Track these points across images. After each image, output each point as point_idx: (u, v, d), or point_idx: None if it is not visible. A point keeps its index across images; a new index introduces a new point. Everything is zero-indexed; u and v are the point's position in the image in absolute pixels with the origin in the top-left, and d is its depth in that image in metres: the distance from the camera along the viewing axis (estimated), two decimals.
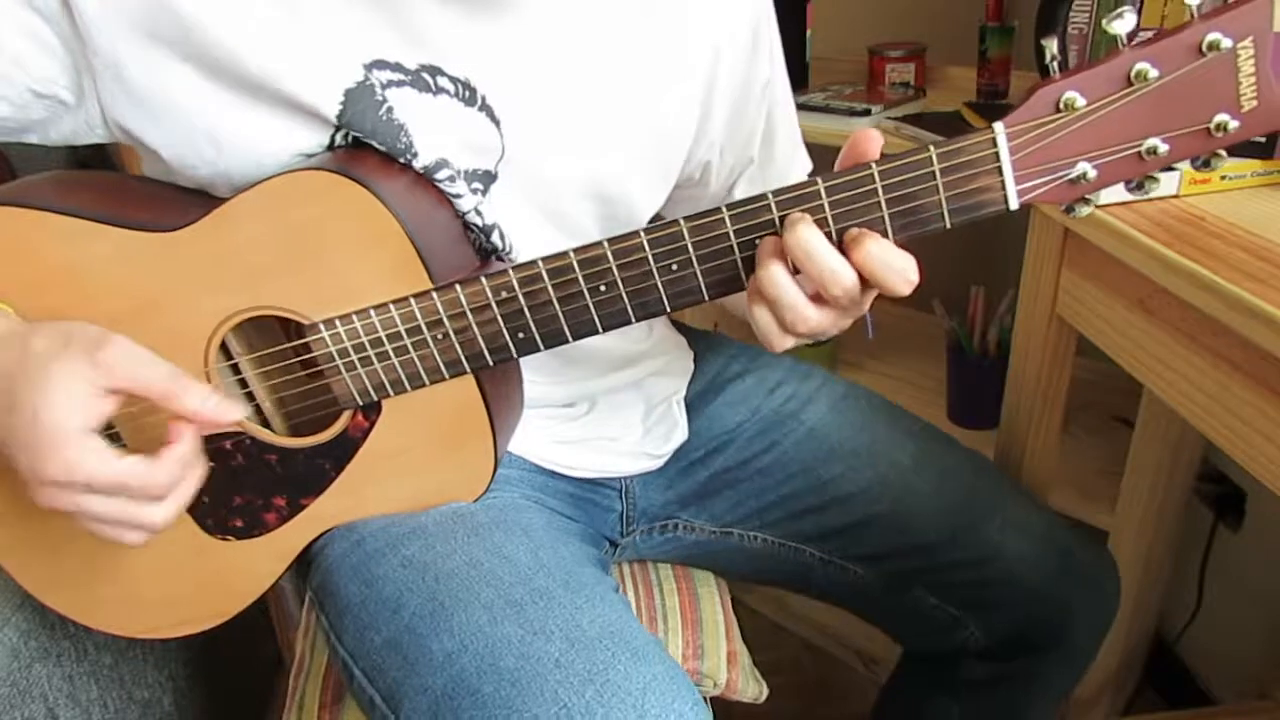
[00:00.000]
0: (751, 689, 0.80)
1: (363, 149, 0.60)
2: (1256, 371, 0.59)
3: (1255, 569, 1.16)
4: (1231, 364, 0.62)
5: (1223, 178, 0.69)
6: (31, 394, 0.50)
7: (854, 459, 0.79)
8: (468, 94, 0.61)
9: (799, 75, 1.35)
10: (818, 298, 0.54)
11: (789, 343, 0.56)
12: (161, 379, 0.53)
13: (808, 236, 0.52)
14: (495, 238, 0.65)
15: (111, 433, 0.62)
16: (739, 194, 0.80)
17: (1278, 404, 0.58)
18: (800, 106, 1.24)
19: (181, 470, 0.55)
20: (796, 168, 0.82)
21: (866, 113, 1.20)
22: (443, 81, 0.60)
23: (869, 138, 0.53)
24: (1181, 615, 1.26)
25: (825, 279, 0.52)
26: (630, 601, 0.82)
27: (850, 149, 0.54)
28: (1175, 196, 0.69)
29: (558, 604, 0.59)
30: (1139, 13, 0.78)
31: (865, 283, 0.53)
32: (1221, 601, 1.21)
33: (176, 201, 0.61)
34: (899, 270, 0.52)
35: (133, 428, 0.61)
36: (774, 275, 0.53)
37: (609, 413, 0.79)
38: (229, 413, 0.56)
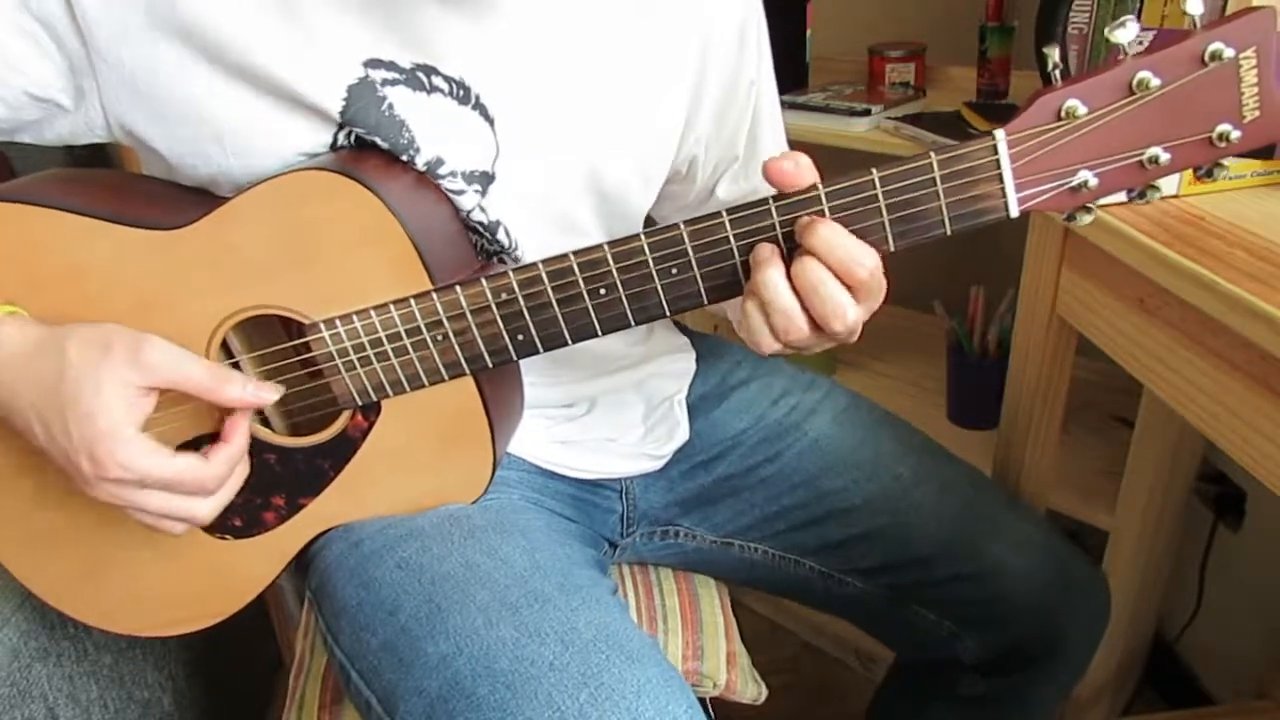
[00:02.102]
0: (751, 690, 0.80)
1: (365, 149, 0.60)
2: (1256, 371, 0.59)
3: (1255, 569, 1.16)
4: (1231, 364, 0.62)
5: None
6: (86, 400, 0.53)
7: (856, 472, 0.79)
8: (462, 93, 0.61)
9: (799, 75, 1.35)
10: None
11: (775, 347, 0.56)
12: (201, 374, 0.57)
13: (832, 230, 0.52)
14: (500, 235, 0.65)
15: None
16: (721, 192, 0.80)
17: (1278, 404, 0.58)
18: (800, 106, 1.24)
19: (231, 468, 0.59)
20: None
21: (866, 113, 1.19)
22: (437, 81, 0.60)
23: (799, 170, 0.53)
24: (1181, 615, 1.26)
25: (855, 257, 0.52)
26: (630, 602, 0.82)
27: (775, 177, 0.54)
28: (1175, 196, 0.69)
29: (553, 606, 0.59)
30: (1139, 14, 0.78)
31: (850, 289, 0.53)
32: (1221, 601, 1.21)
33: (178, 200, 0.61)
34: (850, 251, 0.52)
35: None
36: (771, 279, 0.53)
37: (609, 413, 0.79)
38: (268, 394, 0.59)
